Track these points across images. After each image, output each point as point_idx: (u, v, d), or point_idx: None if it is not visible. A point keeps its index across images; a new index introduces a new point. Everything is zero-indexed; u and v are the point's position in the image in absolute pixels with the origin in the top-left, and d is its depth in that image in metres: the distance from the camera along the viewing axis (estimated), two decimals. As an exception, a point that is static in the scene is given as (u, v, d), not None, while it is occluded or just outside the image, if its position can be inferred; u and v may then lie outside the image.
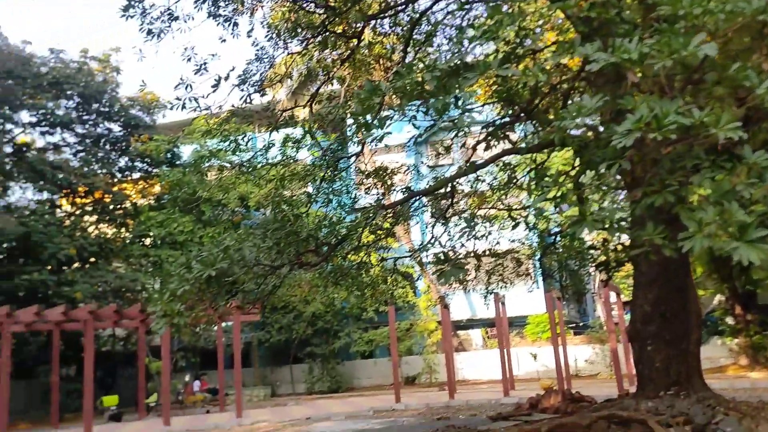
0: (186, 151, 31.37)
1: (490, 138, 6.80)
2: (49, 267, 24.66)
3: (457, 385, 20.11)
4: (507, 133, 6.33)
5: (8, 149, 27.03)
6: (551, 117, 6.83)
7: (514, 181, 9.02)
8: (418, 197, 10.07)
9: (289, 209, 8.06)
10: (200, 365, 28.83)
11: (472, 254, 8.46)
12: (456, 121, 4.94)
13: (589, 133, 5.17)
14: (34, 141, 29.99)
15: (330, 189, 9.76)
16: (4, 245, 26.06)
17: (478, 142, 6.94)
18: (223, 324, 22.12)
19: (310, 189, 10.84)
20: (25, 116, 28.55)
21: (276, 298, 9.73)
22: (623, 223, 4.78)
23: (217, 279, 6.74)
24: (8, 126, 27.99)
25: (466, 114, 4.70)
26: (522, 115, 6.52)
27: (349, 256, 9.79)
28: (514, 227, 8.33)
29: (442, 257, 5.75)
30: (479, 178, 10.40)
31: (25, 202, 28.11)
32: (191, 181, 27.47)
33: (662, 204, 4.60)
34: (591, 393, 11.48)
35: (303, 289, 16.33)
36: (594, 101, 4.42)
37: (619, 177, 6.03)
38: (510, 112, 6.85)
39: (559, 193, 4.77)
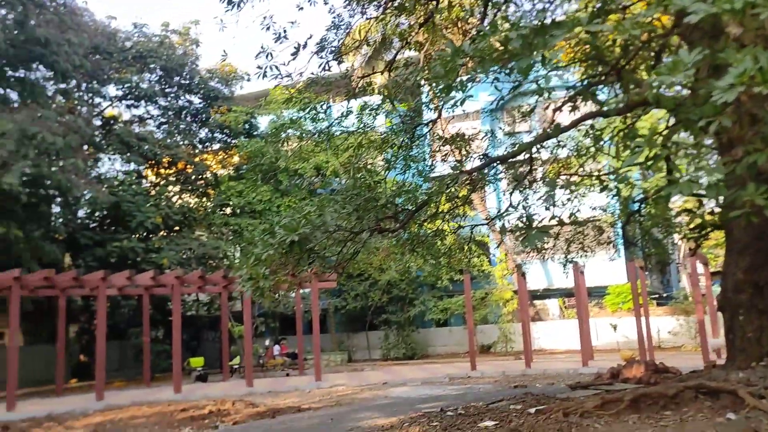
0: (263, 122, 32.02)
1: (576, 99, 6.56)
2: (137, 235, 25.93)
3: (533, 354, 19.92)
4: (595, 93, 6.07)
5: (98, 122, 28.33)
6: (642, 76, 6.52)
7: (599, 144, 8.69)
8: (495, 164, 9.90)
9: (368, 176, 8.08)
10: (279, 330, 29.77)
11: (555, 220, 8.25)
12: (541, 81, 4.79)
13: (685, 91, 4.90)
14: (121, 114, 31.35)
15: (407, 156, 9.71)
16: (97, 214, 27.57)
17: (564, 104, 6.70)
18: (301, 291, 22.67)
19: (385, 157, 10.82)
20: (112, 90, 29.88)
21: (354, 264, 9.84)
22: (721, 183, 4.52)
23: (300, 244, 6.86)
24: (97, 100, 29.35)
25: (554, 73, 4.53)
26: (611, 74, 6.24)
27: (425, 223, 9.78)
28: (602, 190, 8.03)
29: (526, 220, 5.63)
30: (560, 143, 10.10)
31: (114, 173, 29.57)
32: (268, 151, 28.11)
33: (764, 164, 4.33)
34: (675, 365, 11.11)
35: (380, 256, 16.46)
36: (692, 56, 4.16)
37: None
38: (598, 71, 6.57)
39: (651, 154, 4.55)
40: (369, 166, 10.53)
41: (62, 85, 24.47)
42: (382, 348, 28.28)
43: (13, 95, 21.69)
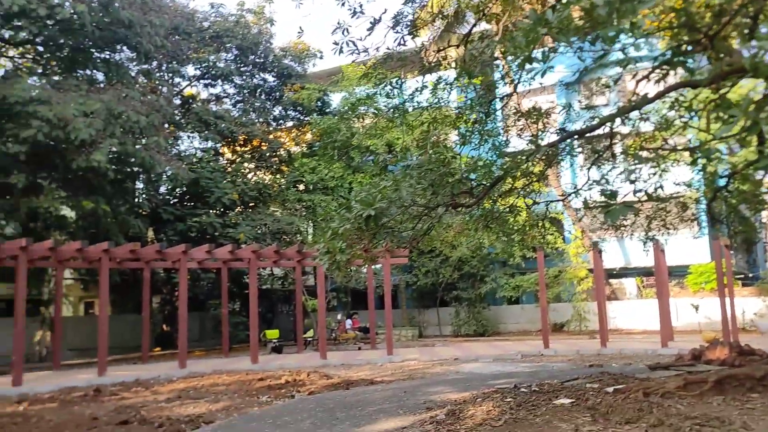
0: (335, 99, 32.27)
1: (664, 69, 6.27)
2: (215, 210, 26.82)
3: (608, 334, 19.48)
4: (685, 61, 5.78)
5: (177, 101, 29.29)
6: (736, 43, 6.16)
7: (689, 116, 8.30)
8: (572, 138, 9.63)
9: (443, 151, 8.03)
10: (351, 305, 30.25)
11: (638, 195, 7.97)
12: (628, 50, 4.60)
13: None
14: (199, 93, 32.32)
15: (482, 131, 9.57)
16: (177, 190, 28.65)
17: (649, 74, 6.42)
18: (373, 267, 22.90)
19: (459, 132, 10.70)
20: (190, 70, 30.81)
21: (426, 241, 9.83)
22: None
23: (375, 219, 6.91)
24: (176, 79, 30.34)
25: (642, 40, 4.34)
26: (701, 42, 5.92)
27: (499, 199, 9.66)
28: (692, 163, 7.66)
29: (610, 194, 5.46)
30: (643, 116, 9.71)
31: (193, 151, 30.58)
32: (341, 128, 28.37)
33: None
34: (762, 347, 10.62)
35: (453, 231, 16.40)
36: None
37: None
38: (687, 40, 6.24)
39: (746, 125, 4.31)
40: (443, 142, 10.47)
41: (144, 66, 25.40)
42: (452, 324, 28.32)
43: (100, 76, 22.70)
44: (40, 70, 22.05)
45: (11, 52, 22.07)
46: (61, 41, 20.98)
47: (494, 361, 16.37)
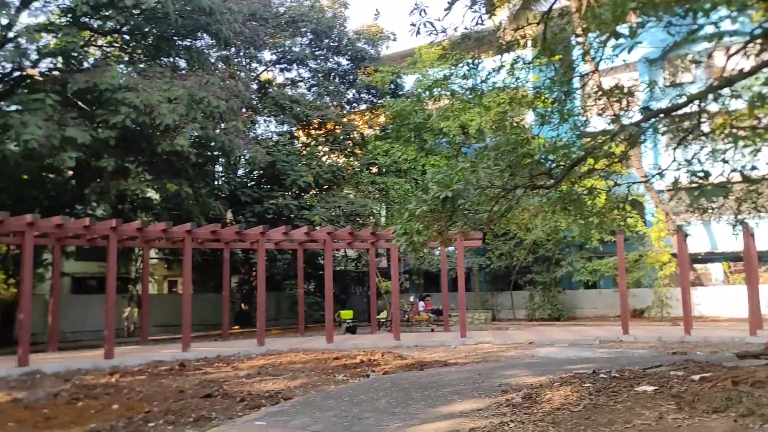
0: (408, 82, 32.20)
1: (761, 42, 5.91)
2: (291, 192, 27.39)
3: (693, 321, 18.73)
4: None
5: (254, 86, 29.97)
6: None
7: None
8: (657, 117, 9.25)
9: (521, 132, 7.89)
10: (423, 287, 30.33)
11: (734, 174, 7.57)
12: (720, 23, 4.36)
13: None
14: (275, 77, 32.95)
15: (561, 110, 9.33)
16: (254, 173, 29.43)
17: (744, 47, 6.06)
18: (446, 249, 22.84)
19: (537, 112, 10.47)
20: (267, 55, 31.44)
21: (503, 222, 9.70)
22: None
23: (452, 200, 6.89)
24: (254, 65, 31.02)
25: (738, 13, 4.10)
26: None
27: (578, 181, 9.41)
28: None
29: (702, 174, 5.23)
30: (734, 93, 9.21)
31: (269, 134, 31.28)
32: (414, 110, 28.31)
33: None
34: None
35: (529, 213, 16.13)
36: None
37: None
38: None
39: None
40: (521, 122, 10.27)
41: (224, 52, 26.10)
42: (526, 308, 27.96)
43: (182, 63, 23.49)
44: (126, 59, 23.05)
45: (100, 42, 23.14)
46: (146, 30, 21.84)
47: (570, 346, 16.07)
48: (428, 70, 28.34)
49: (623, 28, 5.24)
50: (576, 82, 11.01)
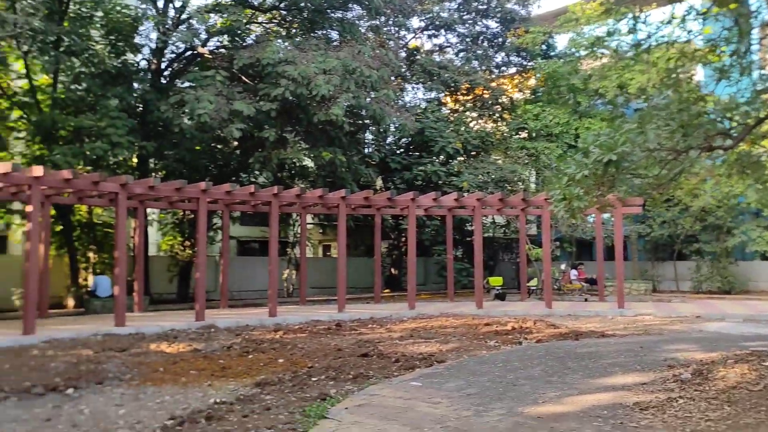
0: (561, 42, 30.80)
1: None
2: (439, 159, 27.45)
3: None
4: None
5: (403, 54, 30.17)
6: None
7: None
8: None
9: (694, 89, 7.26)
10: (576, 255, 29.29)
11: None
12: None
13: None
14: (423, 44, 32.89)
15: (741, 64, 8.44)
16: (403, 140, 29.82)
17: None
18: (601, 216, 21.84)
19: (713, 67, 9.56)
20: (415, 22, 31.43)
21: (671, 187, 9.06)
22: None
23: (616, 164, 6.54)
24: (402, 33, 31.17)
25: None
26: None
27: (760, 141, 8.52)
28: None
29: None
30: None
31: (417, 102, 31.43)
32: (567, 71, 27.04)
33: None
34: None
35: (698, 178, 14.96)
36: None
37: None
38: None
39: None
40: (690, 79, 9.45)
41: (374, 22, 26.46)
42: (692, 280, 26.05)
43: (334, 35, 24.18)
44: (284, 33, 24.14)
45: (261, 18, 24.41)
46: (302, 4, 22.70)
47: (745, 322, 14.82)
48: (583, 28, 26.85)
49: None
50: (756, 34, 9.91)
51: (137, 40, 21.25)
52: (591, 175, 6.57)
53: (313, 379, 8.32)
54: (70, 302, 20.36)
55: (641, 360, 8.76)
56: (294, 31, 24.08)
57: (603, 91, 25.81)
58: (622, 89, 25.86)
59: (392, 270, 31.12)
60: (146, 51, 22.11)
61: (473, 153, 28.89)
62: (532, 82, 32.33)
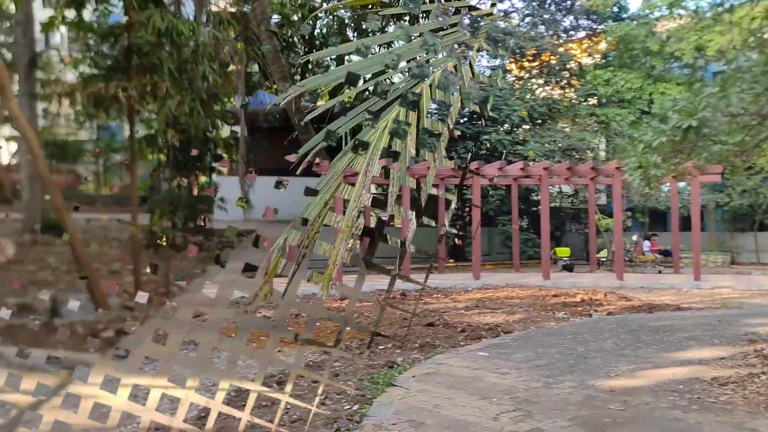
0: (634, 3, 29.50)
1: None
2: (504, 128, 26.92)
3: None
4: None
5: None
6: None
7: None
8: None
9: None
10: (649, 226, 28.36)
11: None
12: None
13: None
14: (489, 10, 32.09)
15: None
16: (467, 109, 29.38)
17: None
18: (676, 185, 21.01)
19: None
20: (479, -13, 30.64)
21: (756, 154, 8.57)
22: None
23: (697, 129, 6.22)
24: (466, -2, 30.52)
25: None
26: None
27: None
28: None
29: None
30: None
31: (482, 69, 30.81)
32: (640, 34, 25.86)
33: None
34: None
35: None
36: None
37: None
38: None
39: None
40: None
41: (436, -12, 25.98)
42: (774, 252, 24.87)
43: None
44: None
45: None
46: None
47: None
48: (658, -14, 25.56)
49: None
50: None
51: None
52: (669, 142, 6.28)
53: (380, 347, 8.40)
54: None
55: (720, 334, 8.44)
56: None
57: (679, 54, 24.64)
58: (699, 51, 24.61)
59: (456, 240, 30.94)
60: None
61: (539, 121, 28.17)
62: (602, 46, 31.09)
